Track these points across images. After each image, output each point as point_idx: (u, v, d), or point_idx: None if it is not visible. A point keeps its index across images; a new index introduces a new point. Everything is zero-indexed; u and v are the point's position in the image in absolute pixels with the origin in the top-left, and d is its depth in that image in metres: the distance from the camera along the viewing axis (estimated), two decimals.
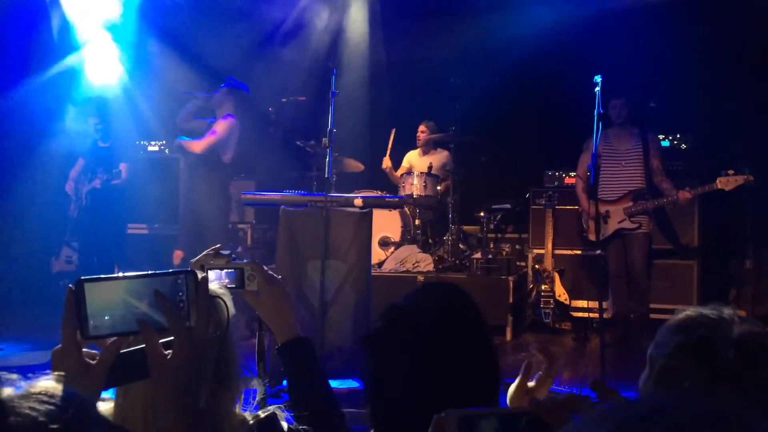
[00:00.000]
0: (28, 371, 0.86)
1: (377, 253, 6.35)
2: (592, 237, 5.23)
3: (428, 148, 7.07)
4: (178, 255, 5.58)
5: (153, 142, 7.04)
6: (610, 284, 5.55)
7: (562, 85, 6.49)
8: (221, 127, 5.31)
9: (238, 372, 1.26)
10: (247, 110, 5.77)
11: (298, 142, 6.59)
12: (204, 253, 1.42)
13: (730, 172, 5.05)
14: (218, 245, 1.44)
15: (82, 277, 1.02)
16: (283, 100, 6.84)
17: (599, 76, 3.99)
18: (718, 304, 1.16)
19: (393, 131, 6.93)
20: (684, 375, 1.08)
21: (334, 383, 3.76)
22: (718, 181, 5.07)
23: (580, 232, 5.86)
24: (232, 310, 1.29)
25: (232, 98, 5.44)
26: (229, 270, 1.41)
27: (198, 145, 5.30)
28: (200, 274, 1.11)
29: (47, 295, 6.10)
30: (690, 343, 1.10)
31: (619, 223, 5.37)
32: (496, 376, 1.19)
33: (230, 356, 1.25)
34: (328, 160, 4.26)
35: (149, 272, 1.08)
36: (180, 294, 1.07)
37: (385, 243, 6.57)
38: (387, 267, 6.19)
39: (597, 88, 3.99)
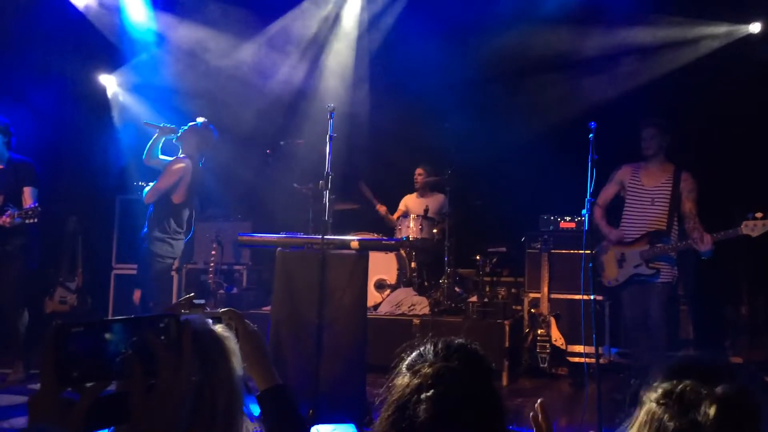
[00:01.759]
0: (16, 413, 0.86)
1: (373, 296, 6.33)
2: (606, 280, 5.01)
3: (424, 191, 7.15)
4: (137, 294, 5.44)
5: (150, 183, 7.07)
6: (625, 335, 5.34)
7: (558, 129, 6.60)
8: (170, 171, 5.15)
9: (240, 415, 1.25)
10: (213, 153, 5.66)
11: (295, 185, 6.65)
12: (177, 301, 1.43)
13: (758, 215, 4.34)
14: (191, 294, 1.45)
15: (60, 323, 1.03)
16: (281, 143, 6.93)
17: (593, 122, 4.06)
18: (716, 351, 1.16)
19: (362, 184, 7.08)
20: (665, 423, 1.07)
21: (328, 426, 3.72)
22: (743, 225, 4.39)
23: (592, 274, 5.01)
24: (235, 353, 1.28)
25: (197, 138, 5.24)
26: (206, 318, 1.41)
27: (147, 197, 5.16)
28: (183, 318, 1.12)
29: (40, 336, 6.04)
30: (676, 391, 1.09)
31: (635, 267, 4.89)
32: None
33: (233, 399, 1.25)
34: (325, 203, 4.28)
35: (130, 317, 1.09)
36: (162, 338, 1.08)
37: (380, 285, 6.56)
38: (383, 309, 6.17)
39: (591, 134, 4.04)
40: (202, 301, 1.44)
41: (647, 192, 4.98)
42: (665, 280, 4.87)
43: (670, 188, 4.90)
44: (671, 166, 4.98)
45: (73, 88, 7.17)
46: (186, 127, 5.25)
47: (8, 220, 4.90)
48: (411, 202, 7.21)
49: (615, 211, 5.19)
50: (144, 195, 5.19)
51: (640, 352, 4.98)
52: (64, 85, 7.00)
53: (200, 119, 5.29)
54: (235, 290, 6.68)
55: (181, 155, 5.17)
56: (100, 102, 7.51)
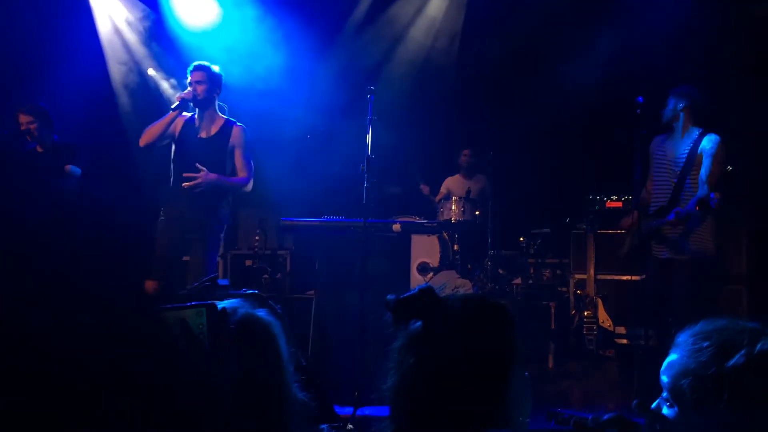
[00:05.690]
0: None
1: (416, 279, 6.31)
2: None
3: (470, 172, 7.09)
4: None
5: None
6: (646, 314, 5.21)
7: (603, 106, 6.43)
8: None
9: (291, 396, 1.25)
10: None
11: (336, 169, 6.65)
12: (201, 282, 1.43)
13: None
14: (215, 275, 1.45)
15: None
16: (322, 129, 6.93)
17: (640, 97, 3.94)
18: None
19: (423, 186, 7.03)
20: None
21: (374, 410, 3.74)
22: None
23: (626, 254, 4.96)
24: (281, 337, 1.28)
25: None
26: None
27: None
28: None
29: None
30: (715, 348, 1.12)
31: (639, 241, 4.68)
32: (502, 392, 1.18)
33: (281, 382, 1.24)
34: (366, 186, 4.27)
35: (167, 306, 1.09)
36: (200, 326, 1.08)
37: (423, 268, 6.54)
38: None
39: (638, 110, 3.93)
40: (227, 281, 1.45)
41: (669, 162, 4.54)
42: (672, 255, 4.45)
43: (686, 157, 4.45)
44: (696, 130, 4.50)
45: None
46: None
47: None
48: (453, 183, 7.15)
49: None
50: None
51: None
52: (105, 75, 7.11)
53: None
54: (279, 275, 6.75)
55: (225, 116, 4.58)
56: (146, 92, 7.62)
